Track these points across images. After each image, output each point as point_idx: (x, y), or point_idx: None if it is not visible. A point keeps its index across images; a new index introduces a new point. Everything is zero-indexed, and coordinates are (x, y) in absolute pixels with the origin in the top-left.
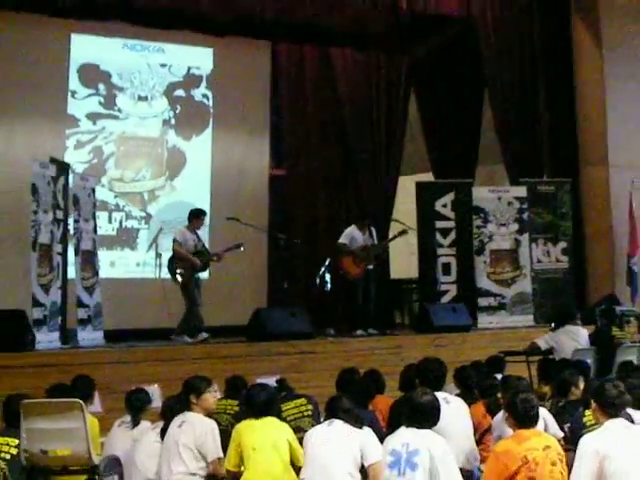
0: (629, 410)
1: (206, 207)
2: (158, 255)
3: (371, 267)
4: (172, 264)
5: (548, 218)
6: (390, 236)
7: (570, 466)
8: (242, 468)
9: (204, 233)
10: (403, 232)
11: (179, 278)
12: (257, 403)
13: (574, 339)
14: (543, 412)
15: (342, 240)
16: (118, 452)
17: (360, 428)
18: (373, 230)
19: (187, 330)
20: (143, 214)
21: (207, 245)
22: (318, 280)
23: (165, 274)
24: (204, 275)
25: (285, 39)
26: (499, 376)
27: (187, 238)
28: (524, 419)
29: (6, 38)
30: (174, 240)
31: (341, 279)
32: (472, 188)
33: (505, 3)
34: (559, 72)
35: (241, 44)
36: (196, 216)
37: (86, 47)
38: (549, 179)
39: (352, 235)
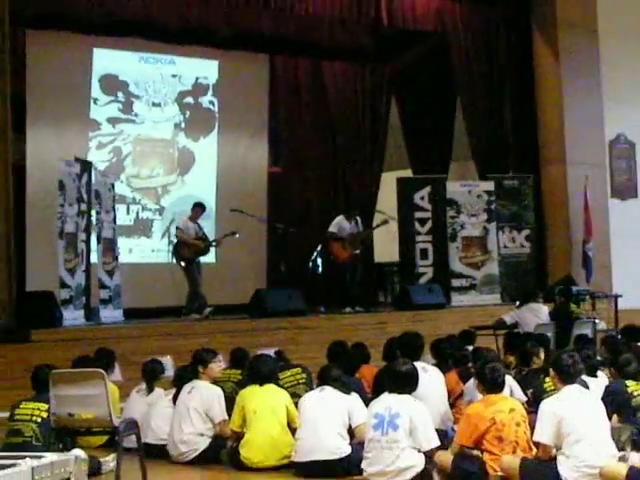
0: (584, 377)
1: (212, 200)
2: (170, 243)
3: (357, 252)
4: (176, 249)
5: (513, 209)
6: (374, 225)
7: (532, 426)
8: (244, 429)
9: (211, 223)
10: (385, 222)
11: (182, 264)
12: (259, 372)
13: (536, 315)
14: (509, 379)
15: (331, 229)
16: (135, 415)
17: (348, 394)
18: (359, 219)
19: (194, 308)
20: (157, 207)
21: (214, 232)
22: (311, 264)
23: (175, 259)
24: (211, 260)
25: (282, 52)
26: (470, 348)
27: (189, 227)
28: (492, 385)
29: (38, 53)
30: (177, 228)
31: (331, 263)
32: (446, 183)
33: (474, 20)
34: (522, 80)
35: (243, 57)
36: (195, 209)
37: (107, 60)
38: (514, 175)
39: (340, 224)
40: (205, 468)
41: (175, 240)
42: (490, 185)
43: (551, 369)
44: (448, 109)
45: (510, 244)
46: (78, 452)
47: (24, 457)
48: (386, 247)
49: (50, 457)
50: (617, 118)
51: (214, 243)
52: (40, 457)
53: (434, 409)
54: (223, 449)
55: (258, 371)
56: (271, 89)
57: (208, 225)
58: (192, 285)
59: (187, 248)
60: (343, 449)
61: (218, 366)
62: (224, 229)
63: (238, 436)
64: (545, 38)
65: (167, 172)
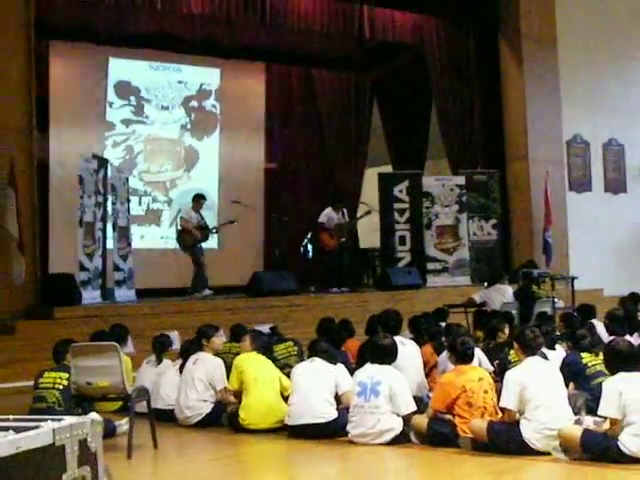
0: (544, 350)
1: (215, 193)
2: (177, 230)
3: (344, 240)
4: (180, 236)
5: (481, 201)
6: (358, 215)
7: (498, 393)
8: (243, 394)
9: (214, 213)
10: (368, 212)
11: (185, 249)
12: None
13: (502, 295)
14: (477, 351)
15: (321, 219)
16: (146, 383)
17: (335, 364)
18: (345, 211)
19: (198, 288)
20: (166, 198)
21: (216, 221)
22: (302, 249)
23: None
24: (214, 246)
25: (276, 61)
26: (443, 324)
27: (191, 216)
28: (463, 357)
29: (60, 61)
30: (181, 217)
31: (320, 250)
32: (422, 177)
33: (447, 32)
34: (489, 87)
35: (242, 65)
36: (196, 200)
37: (121, 68)
38: (482, 170)
39: (329, 215)
40: (208, 430)
41: (180, 228)
42: (461, 179)
43: (515, 342)
44: (424, 112)
45: (479, 232)
46: (94, 415)
47: (46, 420)
48: (369, 235)
49: (69, 420)
50: (573, 120)
51: (214, 230)
52: (60, 420)
53: (411, 378)
54: (224, 413)
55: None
56: (267, 94)
57: (210, 215)
58: (196, 267)
59: (189, 235)
60: (331, 413)
61: (220, 340)
62: (225, 219)
63: (236, 393)
64: (510, 49)
65: (174, 168)
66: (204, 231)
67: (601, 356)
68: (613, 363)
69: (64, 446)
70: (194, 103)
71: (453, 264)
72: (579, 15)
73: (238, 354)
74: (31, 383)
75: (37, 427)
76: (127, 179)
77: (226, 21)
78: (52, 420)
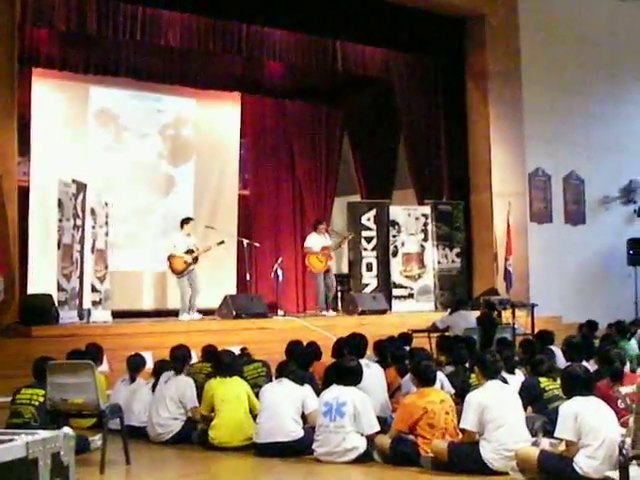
0: (504, 374)
1: None
2: (153, 254)
3: (330, 263)
4: (169, 262)
5: (446, 230)
6: (337, 243)
7: (459, 415)
8: (212, 413)
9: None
10: (345, 239)
11: (176, 277)
12: (225, 365)
13: (465, 320)
14: (440, 375)
15: (307, 244)
16: (120, 401)
17: (302, 385)
18: (327, 234)
19: (185, 309)
20: (142, 223)
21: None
22: (272, 274)
23: (158, 268)
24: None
25: (251, 92)
26: (407, 348)
27: (180, 240)
28: (425, 380)
29: (42, 88)
30: (170, 243)
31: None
32: (389, 207)
33: (415, 67)
34: (455, 120)
35: (217, 95)
36: (184, 223)
37: (101, 96)
38: (447, 201)
39: (313, 239)
40: (179, 447)
41: (169, 254)
42: (427, 209)
43: (476, 366)
44: (392, 144)
45: (443, 260)
46: (67, 430)
47: (20, 434)
48: (338, 261)
49: (42, 434)
50: (536, 154)
51: (203, 251)
52: (34, 434)
53: (375, 399)
54: (194, 431)
55: (224, 364)
56: (241, 123)
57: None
58: (182, 292)
59: (177, 261)
60: (297, 432)
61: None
62: (199, 243)
63: (206, 419)
64: (476, 84)
65: (151, 193)
66: (190, 256)
67: (558, 381)
68: (570, 387)
69: (37, 459)
70: (171, 131)
71: (418, 290)
72: (543, 53)
73: (209, 374)
74: (9, 399)
75: (11, 440)
76: (107, 203)
77: (203, 53)
78: (26, 434)
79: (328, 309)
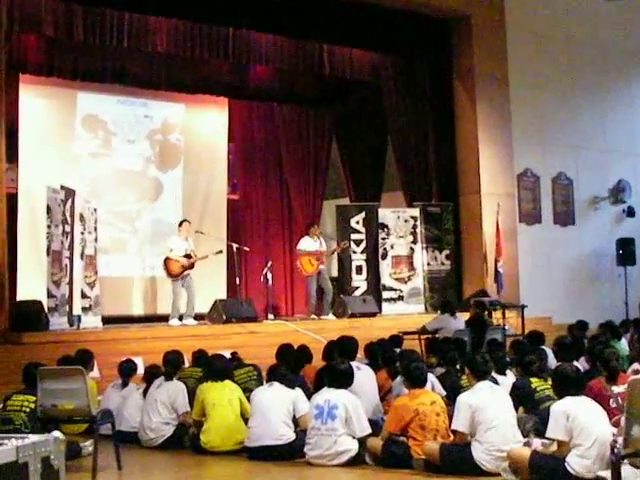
0: (495, 375)
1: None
2: (142, 259)
3: (323, 267)
4: (165, 264)
5: (435, 232)
6: (330, 251)
7: (450, 417)
8: (203, 418)
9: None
10: (340, 247)
11: (171, 280)
12: (216, 369)
13: (455, 322)
14: (431, 376)
15: (299, 246)
16: (111, 407)
17: (293, 389)
18: (322, 239)
19: (177, 316)
20: (131, 228)
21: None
22: (262, 278)
23: (147, 274)
24: None
25: (239, 97)
26: (398, 350)
27: (177, 244)
28: (416, 381)
29: (30, 94)
30: (168, 246)
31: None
32: (378, 209)
33: (404, 71)
34: (444, 122)
35: (205, 100)
36: (180, 225)
37: (89, 102)
38: (436, 203)
39: (307, 243)
40: (170, 452)
41: (165, 256)
42: (416, 212)
43: (466, 368)
44: (381, 147)
45: (433, 262)
46: (56, 434)
47: (10, 438)
48: (327, 264)
49: (32, 438)
50: (524, 155)
51: (201, 258)
52: (24, 438)
53: (367, 402)
54: (186, 435)
55: (215, 368)
56: (230, 128)
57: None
58: (175, 296)
59: (173, 264)
60: (288, 436)
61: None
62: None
63: (198, 424)
64: (464, 86)
65: (140, 199)
66: (187, 260)
67: (549, 381)
68: (561, 387)
69: (27, 463)
70: (159, 136)
71: (408, 293)
72: (530, 54)
73: (200, 378)
74: (0, 406)
75: (1, 445)
76: (95, 209)
77: (190, 58)
78: (16, 438)
79: (328, 312)
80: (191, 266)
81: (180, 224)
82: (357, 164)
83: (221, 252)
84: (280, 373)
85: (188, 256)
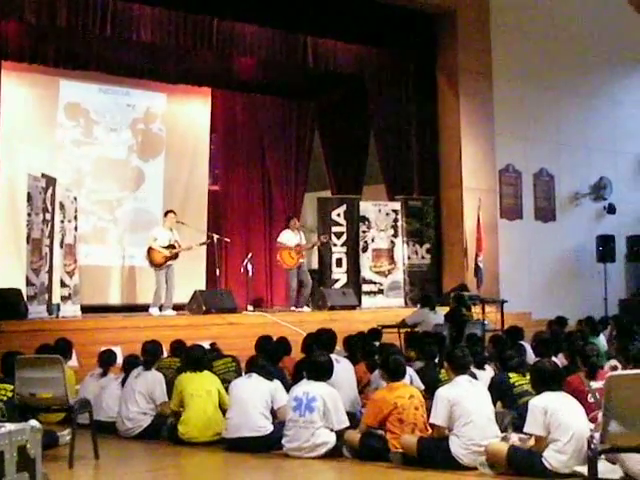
0: (474, 369)
1: (159, 213)
2: (122, 249)
3: (302, 260)
4: (148, 254)
5: (416, 226)
6: (311, 244)
7: (429, 410)
8: (181, 409)
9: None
10: (320, 241)
11: (154, 270)
12: (194, 359)
13: (434, 316)
14: (409, 370)
15: (280, 239)
16: (89, 396)
17: (271, 380)
18: (302, 234)
19: (158, 305)
20: (111, 217)
21: None
22: (242, 269)
23: (127, 263)
24: None
25: (221, 87)
26: (377, 343)
27: (161, 234)
28: (394, 374)
29: (12, 81)
30: (152, 235)
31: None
32: (359, 202)
33: (387, 64)
34: (427, 117)
35: (188, 90)
36: (165, 215)
37: (71, 90)
38: (418, 197)
39: (287, 236)
40: (148, 442)
41: (148, 246)
42: (397, 205)
43: (445, 362)
44: (363, 140)
45: (413, 256)
46: (33, 422)
47: None
48: (307, 256)
49: (9, 427)
50: (506, 150)
51: (186, 249)
52: (0, 427)
53: (345, 394)
54: (163, 426)
55: (192, 358)
56: (212, 118)
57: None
58: (157, 285)
59: (156, 254)
60: (267, 427)
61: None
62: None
63: (176, 414)
64: (447, 81)
65: (121, 188)
66: (170, 251)
67: (528, 376)
68: (539, 383)
69: (3, 452)
70: (141, 126)
71: (388, 286)
72: (514, 49)
73: (179, 369)
74: None
75: None
76: (76, 198)
77: (174, 48)
78: None
79: (303, 305)
80: (175, 256)
81: (165, 214)
82: (339, 157)
83: (205, 243)
84: (259, 364)
85: (172, 246)
